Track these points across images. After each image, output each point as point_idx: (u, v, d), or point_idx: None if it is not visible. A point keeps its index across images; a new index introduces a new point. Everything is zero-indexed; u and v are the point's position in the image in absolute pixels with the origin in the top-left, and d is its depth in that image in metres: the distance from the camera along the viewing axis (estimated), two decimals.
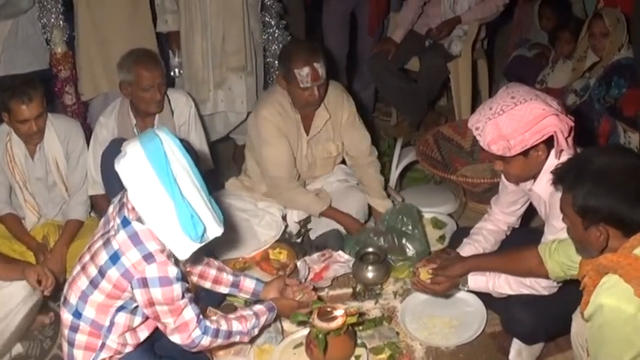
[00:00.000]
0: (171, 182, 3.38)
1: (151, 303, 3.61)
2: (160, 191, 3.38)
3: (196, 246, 3.48)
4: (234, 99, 6.54)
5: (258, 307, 4.19)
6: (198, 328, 3.79)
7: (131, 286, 3.56)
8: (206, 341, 3.84)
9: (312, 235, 5.61)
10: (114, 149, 5.17)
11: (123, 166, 3.46)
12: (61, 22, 6.27)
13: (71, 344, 3.82)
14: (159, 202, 3.39)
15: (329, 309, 4.24)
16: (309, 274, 5.18)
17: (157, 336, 4.09)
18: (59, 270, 5.12)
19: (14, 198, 5.47)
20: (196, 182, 3.52)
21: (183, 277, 3.73)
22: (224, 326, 3.94)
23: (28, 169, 5.37)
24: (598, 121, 5.90)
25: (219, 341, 3.94)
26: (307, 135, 5.52)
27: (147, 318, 3.90)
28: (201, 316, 3.83)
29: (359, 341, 4.46)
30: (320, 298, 4.66)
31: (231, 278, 4.45)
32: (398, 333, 4.64)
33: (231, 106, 6.59)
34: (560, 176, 3.30)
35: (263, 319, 4.14)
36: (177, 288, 3.60)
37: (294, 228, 5.66)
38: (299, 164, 5.61)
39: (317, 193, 5.64)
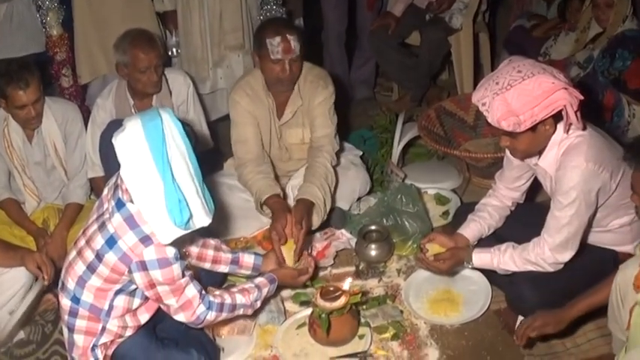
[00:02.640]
0: (164, 163, 3.34)
1: (152, 285, 3.60)
2: (152, 171, 3.34)
3: (180, 232, 3.43)
4: (234, 76, 6.52)
5: (259, 280, 4.21)
6: (202, 304, 3.79)
7: (129, 270, 3.55)
8: (211, 316, 3.85)
9: None
10: (112, 131, 5.11)
11: (120, 141, 3.43)
12: (56, 5, 6.22)
13: (71, 329, 3.82)
14: (149, 181, 3.35)
15: (332, 288, 4.22)
16: (311, 252, 5.13)
17: (159, 318, 4.09)
18: (60, 254, 5.09)
19: (13, 183, 5.45)
20: (191, 169, 3.48)
21: (182, 256, 3.72)
22: (228, 300, 3.94)
23: (26, 153, 5.34)
24: (602, 93, 5.84)
25: (224, 315, 3.95)
26: (279, 119, 5.42)
27: (146, 299, 3.89)
28: (203, 292, 3.84)
29: (362, 320, 4.45)
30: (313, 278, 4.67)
31: (229, 256, 4.46)
32: (402, 311, 4.62)
33: (231, 83, 6.56)
34: (636, 153, 3.26)
35: (265, 291, 4.16)
36: (177, 268, 3.60)
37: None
38: (274, 149, 5.55)
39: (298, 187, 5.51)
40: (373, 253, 5.00)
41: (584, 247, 4.06)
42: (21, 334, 4.71)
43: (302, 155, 5.51)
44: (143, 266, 3.52)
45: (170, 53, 6.65)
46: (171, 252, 3.54)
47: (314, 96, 5.30)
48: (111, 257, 3.54)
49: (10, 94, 4.97)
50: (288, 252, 4.51)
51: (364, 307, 4.60)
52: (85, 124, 5.49)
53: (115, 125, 5.02)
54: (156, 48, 5.28)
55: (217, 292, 3.98)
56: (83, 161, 5.48)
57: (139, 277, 3.57)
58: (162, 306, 3.80)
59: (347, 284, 4.26)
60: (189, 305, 3.75)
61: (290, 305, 4.74)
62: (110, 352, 3.89)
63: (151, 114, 3.49)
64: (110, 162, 5.17)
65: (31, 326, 4.76)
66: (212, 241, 4.44)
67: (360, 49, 7.85)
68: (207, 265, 4.42)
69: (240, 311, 4.04)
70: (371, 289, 4.89)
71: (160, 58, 5.30)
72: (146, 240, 3.49)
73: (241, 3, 6.36)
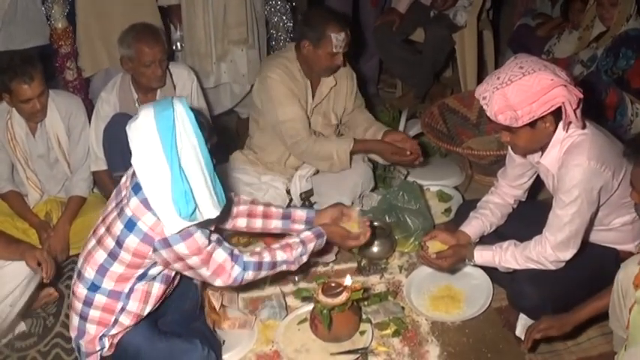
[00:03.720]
0: (172, 153, 3.34)
1: (179, 258, 3.62)
2: (160, 160, 3.35)
3: (185, 223, 3.43)
4: (237, 70, 6.55)
5: (305, 234, 4.13)
6: (236, 266, 3.79)
7: (153, 249, 3.55)
8: (249, 276, 3.85)
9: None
10: (116, 125, 5.17)
11: (132, 129, 3.45)
12: None
13: (84, 318, 3.81)
14: (157, 170, 3.36)
15: (333, 284, 4.22)
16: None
17: (161, 313, 4.09)
18: (62, 248, 5.12)
19: (16, 175, 5.45)
20: (201, 160, 3.46)
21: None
22: (267, 258, 3.92)
23: (29, 146, 5.34)
24: (605, 92, 5.83)
25: (264, 273, 3.94)
26: (312, 99, 5.51)
27: (166, 282, 3.92)
28: (235, 252, 3.84)
29: (364, 316, 4.45)
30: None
31: (281, 210, 4.42)
32: (403, 308, 4.62)
33: (235, 78, 6.58)
34: (636, 149, 3.27)
35: (311, 246, 4.08)
36: (200, 236, 3.60)
37: (298, 202, 5.61)
38: None
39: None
40: (375, 249, 5.01)
41: (586, 246, 4.06)
42: (22, 327, 4.74)
43: None
44: (166, 243, 3.53)
45: (174, 47, 6.66)
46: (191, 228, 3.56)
47: (346, 78, 5.61)
48: (132, 241, 3.56)
49: (14, 88, 4.97)
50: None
51: (365, 303, 4.60)
52: (88, 117, 5.50)
53: (119, 119, 5.07)
54: (160, 42, 5.28)
55: (257, 250, 3.96)
56: (86, 154, 5.48)
57: (165, 254, 3.58)
58: (195, 276, 3.83)
59: (348, 280, 4.26)
60: (222, 270, 3.75)
61: (291, 301, 4.75)
62: (116, 340, 3.88)
63: (165, 103, 3.49)
64: (113, 155, 5.20)
65: (33, 319, 4.81)
66: (245, 197, 4.44)
67: (363, 45, 7.84)
68: (259, 223, 4.38)
69: (283, 267, 4.02)
70: (372, 285, 4.89)
71: (164, 53, 5.29)
72: None
73: None
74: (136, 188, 3.57)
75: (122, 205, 3.63)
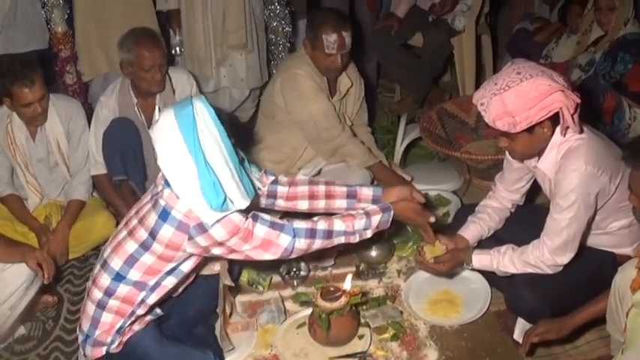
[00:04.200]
0: (196, 148, 3.39)
1: (218, 243, 3.60)
2: (185, 155, 3.39)
3: (217, 215, 3.45)
4: (236, 75, 6.57)
5: (371, 207, 4.00)
6: (283, 235, 3.71)
7: (189, 237, 3.54)
8: (301, 244, 3.75)
9: None
10: (115, 129, 5.19)
11: (155, 132, 3.50)
12: (60, 2, 6.25)
13: (102, 307, 3.80)
14: (183, 166, 3.40)
15: (332, 289, 4.23)
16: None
17: (164, 317, 4.11)
18: (61, 251, 5.13)
19: (16, 179, 5.47)
20: (225, 152, 3.50)
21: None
22: (322, 225, 3.81)
23: (29, 150, 5.36)
24: (603, 96, 5.84)
25: (319, 242, 3.81)
26: (332, 98, 5.56)
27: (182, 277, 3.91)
28: (278, 221, 3.77)
29: (362, 321, 4.45)
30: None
31: (345, 189, 4.29)
32: (402, 312, 4.62)
33: (234, 82, 6.60)
34: (634, 152, 3.28)
35: (376, 220, 3.92)
36: (236, 215, 3.56)
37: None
38: None
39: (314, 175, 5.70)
40: (373, 253, 5.01)
41: (583, 250, 4.07)
42: (22, 330, 4.75)
43: None
44: (202, 228, 3.53)
45: (173, 52, 6.67)
46: None
47: (357, 85, 5.70)
48: (166, 231, 3.55)
49: (15, 92, 4.98)
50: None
51: (364, 307, 4.61)
52: (87, 121, 5.51)
53: (118, 123, 5.09)
54: (160, 47, 5.30)
55: (315, 218, 3.85)
56: (86, 158, 5.49)
57: (202, 240, 3.56)
58: (239, 257, 3.77)
59: (347, 284, 4.26)
60: (268, 243, 3.69)
61: (290, 305, 4.75)
62: (125, 338, 3.89)
63: (183, 103, 3.55)
64: (113, 159, 5.22)
65: (32, 322, 4.82)
66: (302, 177, 4.43)
67: (360, 49, 7.84)
68: (321, 203, 4.28)
69: (341, 239, 3.87)
70: (371, 289, 4.90)
71: (163, 57, 5.31)
72: None
73: (244, 2, 6.38)
74: (168, 182, 3.58)
75: (157, 198, 3.64)
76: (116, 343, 3.85)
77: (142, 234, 3.65)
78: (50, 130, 5.34)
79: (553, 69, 3.86)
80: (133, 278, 3.73)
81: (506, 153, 4.20)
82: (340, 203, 4.27)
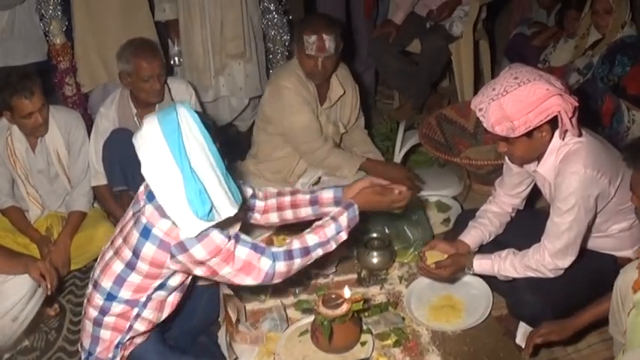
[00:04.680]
0: (181, 156, 3.32)
1: (199, 262, 3.55)
2: (170, 163, 3.32)
3: (204, 224, 3.39)
4: (235, 83, 6.57)
5: (335, 210, 3.94)
6: (263, 258, 3.65)
7: (171, 256, 3.51)
8: (281, 267, 3.70)
9: None
10: (115, 140, 5.20)
11: (139, 140, 3.44)
12: (59, 14, 6.27)
13: (99, 324, 3.80)
14: (168, 174, 3.33)
15: (334, 296, 4.23)
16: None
17: (167, 327, 4.12)
18: (63, 262, 5.13)
19: (17, 191, 5.48)
20: (211, 159, 3.45)
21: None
22: (297, 245, 3.76)
23: (29, 161, 5.36)
24: (601, 99, 5.85)
25: (299, 261, 3.76)
26: (321, 106, 5.57)
27: (181, 292, 3.90)
28: (260, 245, 3.72)
29: (364, 327, 4.44)
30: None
31: (307, 196, 4.22)
32: (404, 318, 4.62)
33: (233, 91, 6.61)
34: (634, 153, 3.29)
35: (343, 219, 3.86)
36: (216, 235, 3.52)
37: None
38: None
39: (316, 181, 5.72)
40: (375, 260, 5.00)
41: (584, 253, 4.08)
42: (25, 342, 4.74)
43: None
44: (183, 247, 3.48)
45: (172, 62, 6.68)
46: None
47: (351, 89, 5.68)
48: (148, 249, 3.52)
49: (15, 104, 4.98)
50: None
51: (366, 314, 4.61)
52: (87, 132, 5.52)
53: (118, 134, 5.09)
54: (158, 57, 5.31)
55: (288, 240, 3.82)
56: (86, 169, 5.49)
57: (183, 259, 3.52)
58: (221, 280, 3.76)
59: (347, 292, 4.26)
60: (249, 266, 3.63)
61: (292, 312, 4.74)
62: (127, 352, 3.89)
63: (167, 109, 3.48)
64: (113, 170, 5.22)
65: (35, 333, 4.81)
66: (272, 190, 4.32)
67: (358, 57, 7.86)
68: (289, 213, 4.25)
69: (319, 251, 3.82)
70: (373, 296, 4.90)
71: (162, 68, 5.32)
72: None
73: (242, 12, 6.38)
74: (150, 196, 3.55)
75: (138, 215, 3.61)
76: (118, 358, 3.85)
77: (127, 253, 3.62)
78: (50, 142, 5.35)
79: (551, 73, 3.87)
80: (124, 297, 3.71)
81: (506, 158, 4.21)
82: (305, 211, 4.24)
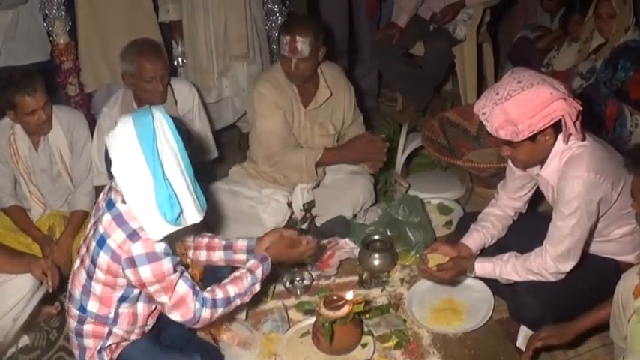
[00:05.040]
0: (154, 159, 3.36)
1: (142, 283, 3.58)
2: (142, 167, 3.36)
3: (170, 228, 3.42)
4: (239, 84, 6.57)
5: (250, 262, 4.07)
6: (196, 301, 3.71)
7: (122, 268, 3.55)
8: (206, 313, 3.75)
9: (318, 223, 5.59)
10: None
11: (112, 139, 3.46)
12: (62, 14, 6.25)
13: (79, 334, 3.84)
14: (139, 177, 3.36)
15: (335, 297, 4.23)
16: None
17: (163, 326, 4.11)
18: (65, 262, 5.12)
19: (19, 190, 5.48)
20: (182, 165, 3.49)
21: (174, 252, 3.71)
22: (219, 294, 3.83)
23: (32, 161, 5.36)
24: (604, 104, 5.85)
25: (220, 310, 3.82)
26: (305, 108, 5.54)
27: (153, 306, 3.90)
28: (197, 289, 3.76)
29: (365, 329, 4.46)
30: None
31: (223, 241, 4.34)
32: (405, 320, 4.63)
33: (236, 92, 6.61)
34: (636, 159, 3.29)
35: (259, 272, 4.00)
36: (167, 263, 3.57)
37: (299, 215, 5.61)
38: (297, 136, 5.64)
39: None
40: (376, 262, 5.01)
41: (586, 257, 4.08)
42: (26, 340, 4.75)
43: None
44: (132, 262, 3.51)
45: (176, 63, 6.67)
46: (160, 247, 3.54)
47: (342, 91, 5.63)
48: (103, 258, 3.55)
49: (18, 102, 4.98)
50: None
51: (367, 315, 4.61)
52: (90, 132, 5.52)
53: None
54: (162, 58, 5.31)
55: (209, 288, 3.87)
56: (89, 169, 5.50)
57: (130, 274, 3.55)
58: (158, 305, 3.79)
59: (349, 295, 4.27)
60: (183, 302, 3.68)
61: (294, 314, 4.75)
62: (115, 355, 3.91)
63: (143, 111, 3.51)
64: None
65: (36, 332, 4.82)
66: (206, 238, 4.35)
67: (361, 59, 7.86)
68: (203, 254, 4.30)
69: (237, 302, 3.91)
70: (374, 298, 4.90)
71: (165, 68, 5.32)
72: (134, 235, 3.50)
73: (246, 13, 6.38)
74: (110, 205, 3.60)
75: (97, 223, 3.65)
76: (107, 359, 3.89)
77: (88, 262, 3.67)
78: (53, 141, 5.35)
79: (554, 77, 3.87)
80: (93, 310, 3.75)
81: (509, 161, 4.21)
82: (219, 255, 4.33)
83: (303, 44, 5.13)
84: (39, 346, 4.78)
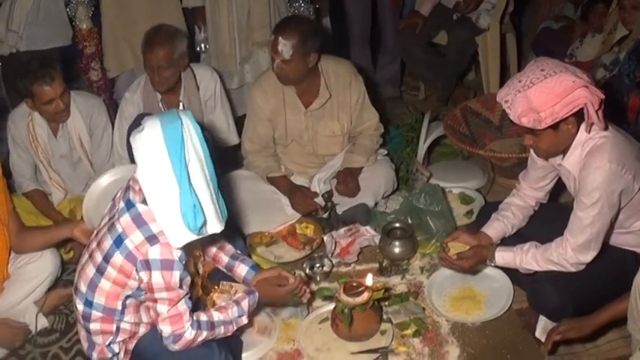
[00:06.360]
0: (181, 168, 3.34)
1: (151, 288, 3.59)
2: (169, 174, 3.33)
3: (192, 237, 3.43)
4: (260, 70, 6.55)
5: (238, 295, 4.12)
6: (190, 321, 3.73)
7: (136, 269, 3.55)
8: (191, 335, 3.74)
9: (339, 210, 5.56)
10: (139, 124, 5.21)
11: (138, 141, 3.43)
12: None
13: (88, 331, 3.85)
14: (165, 184, 3.34)
15: (355, 284, 4.24)
16: (335, 248, 5.18)
17: None
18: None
19: (39, 176, 5.55)
20: (207, 174, 3.48)
21: (186, 267, 3.71)
22: (204, 317, 3.84)
23: (51, 147, 5.42)
24: (627, 95, 5.81)
25: (205, 334, 3.80)
26: (306, 108, 5.50)
27: None
28: (191, 311, 3.78)
29: (385, 316, 4.47)
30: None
31: (226, 260, 4.38)
32: (424, 308, 4.63)
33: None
34: None
35: (245, 305, 4.01)
36: (177, 275, 3.58)
37: (320, 202, 5.60)
38: (299, 136, 5.62)
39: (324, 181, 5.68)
40: (397, 250, 5.02)
41: (606, 248, 4.06)
42: (45, 323, 4.77)
43: (326, 151, 5.64)
44: (147, 265, 3.52)
45: (198, 49, 6.68)
46: (177, 255, 3.55)
47: (349, 91, 5.49)
48: (118, 257, 3.55)
49: (36, 91, 5.02)
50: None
51: (387, 303, 4.62)
52: (113, 116, 5.55)
53: (143, 119, 5.11)
54: (166, 47, 5.31)
55: (195, 313, 3.85)
56: (109, 154, 5.54)
57: (144, 276, 3.56)
58: (152, 312, 3.76)
59: (369, 279, 4.27)
60: (179, 319, 3.69)
61: (313, 300, 4.73)
62: (131, 346, 3.93)
63: (171, 116, 3.47)
64: None
65: (55, 315, 4.83)
66: (219, 242, 4.39)
67: (385, 47, 7.85)
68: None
69: (222, 330, 3.90)
70: (394, 285, 4.91)
71: (168, 59, 5.32)
72: (152, 239, 3.50)
73: (269, 0, 6.40)
74: (129, 204, 3.60)
75: (114, 220, 3.64)
76: (118, 352, 3.91)
77: (99, 258, 3.66)
78: (72, 127, 5.39)
79: (578, 68, 3.85)
80: (100, 303, 3.73)
81: (531, 151, 4.19)
82: (222, 268, 4.40)
83: (284, 46, 5.07)
84: (58, 329, 4.80)
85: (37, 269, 4.72)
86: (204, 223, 3.45)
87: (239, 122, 5.94)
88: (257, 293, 4.10)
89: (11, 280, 4.72)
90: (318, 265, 5.06)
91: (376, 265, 5.08)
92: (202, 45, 6.69)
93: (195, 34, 6.67)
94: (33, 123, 5.33)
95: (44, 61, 5.12)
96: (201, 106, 5.62)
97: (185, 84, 5.56)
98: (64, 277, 5.13)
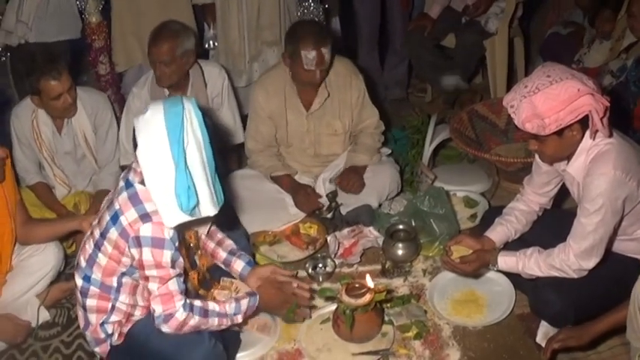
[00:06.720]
0: (179, 148, 3.42)
1: (142, 264, 3.65)
2: (166, 153, 3.42)
3: (184, 217, 3.50)
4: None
5: (239, 294, 4.21)
6: (181, 300, 3.77)
7: (128, 246, 3.63)
8: (182, 316, 3.77)
9: (343, 211, 5.58)
10: None
11: (141, 123, 3.52)
12: None
13: (84, 308, 3.91)
14: (162, 163, 3.43)
15: (357, 285, 4.24)
16: (338, 249, 5.18)
17: None
18: None
19: (43, 172, 5.57)
20: (205, 158, 3.55)
21: (182, 240, 3.79)
22: (198, 303, 3.88)
23: (56, 144, 5.44)
24: (634, 103, 5.80)
25: (197, 318, 3.83)
26: (307, 111, 5.52)
27: None
28: (184, 293, 3.84)
29: (386, 318, 4.46)
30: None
31: (224, 256, 4.41)
32: (426, 311, 4.63)
33: None
34: None
35: (244, 304, 4.06)
36: (168, 254, 3.63)
37: (324, 202, 5.62)
38: (300, 140, 5.65)
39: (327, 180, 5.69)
40: (400, 252, 5.01)
41: (609, 255, 4.05)
42: (47, 316, 4.78)
43: (329, 151, 5.67)
44: (138, 242, 3.59)
45: (207, 46, 6.68)
46: (168, 234, 3.60)
47: (349, 90, 5.53)
48: (113, 233, 3.64)
49: (43, 87, 5.04)
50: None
51: (388, 305, 4.61)
52: (120, 111, 5.55)
53: None
54: (169, 42, 5.33)
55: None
56: (114, 151, 5.56)
57: (135, 253, 3.63)
58: (146, 292, 3.84)
59: (369, 280, 4.27)
60: (169, 298, 3.74)
61: (315, 300, 4.72)
62: (125, 329, 3.97)
63: (175, 101, 3.57)
64: None
65: (57, 309, 4.84)
66: (218, 234, 4.44)
67: (393, 49, 7.85)
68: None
69: (215, 321, 3.92)
70: (396, 288, 4.91)
71: (170, 55, 5.34)
72: (145, 217, 3.57)
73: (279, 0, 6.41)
74: (128, 184, 3.69)
75: (113, 198, 3.74)
76: (111, 332, 3.95)
77: (97, 233, 3.75)
78: (77, 124, 5.40)
79: (585, 74, 3.85)
80: (97, 279, 3.81)
81: (536, 156, 4.20)
82: (219, 264, 4.44)
83: (327, 53, 5.18)
84: (59, 322, 4.81)
85: (40, 262, 4.73)
86: (197, 204, 3.51)
87: (246, 120, 5.95)
88: (258, 296, 4.14)
89: (14, 272, 4.74)
90: (320, 265, 5.06)
91: (379, 267, 5.07)
92: (211, 42, 6.69)
93: (204, 31, 6.68)
94: (37, 120, 5.35)
95: (50, 56, 5.14)
96: (208, 103, 5.62)
97: (193, 80, 5.59)
98: (67, 271, 5.13)
